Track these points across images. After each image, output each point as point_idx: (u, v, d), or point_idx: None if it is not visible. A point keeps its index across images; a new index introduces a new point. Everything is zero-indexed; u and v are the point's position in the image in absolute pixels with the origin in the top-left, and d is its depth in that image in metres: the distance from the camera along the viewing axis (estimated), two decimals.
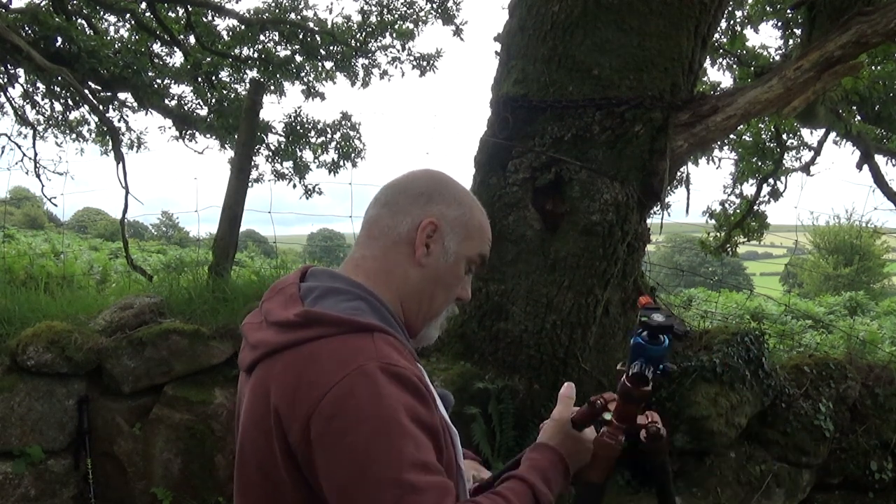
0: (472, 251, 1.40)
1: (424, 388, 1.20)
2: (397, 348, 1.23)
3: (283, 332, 1.24)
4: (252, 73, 10.45)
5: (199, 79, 9.97)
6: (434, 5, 10.35)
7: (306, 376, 1.16)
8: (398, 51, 10.66)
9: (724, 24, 7.43)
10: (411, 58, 10.71)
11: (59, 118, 10.85)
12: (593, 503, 1.46)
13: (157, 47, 10.68)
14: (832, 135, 8.07)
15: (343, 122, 10.40)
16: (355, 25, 10.43)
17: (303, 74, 10.70)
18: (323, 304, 1.27)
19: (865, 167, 7.85)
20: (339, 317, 1.22)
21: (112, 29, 10.59)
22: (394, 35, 10.44)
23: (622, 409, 1.42)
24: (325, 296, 1.29)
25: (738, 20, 7.81)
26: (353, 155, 10.48)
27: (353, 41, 10.42)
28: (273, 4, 10.41)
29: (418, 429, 1.14)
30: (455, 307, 1.46)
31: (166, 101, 10.16)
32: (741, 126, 5.79)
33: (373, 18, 10.45)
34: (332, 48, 10.42)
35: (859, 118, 7.55)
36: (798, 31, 6.77)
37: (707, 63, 7.57)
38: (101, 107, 8.89)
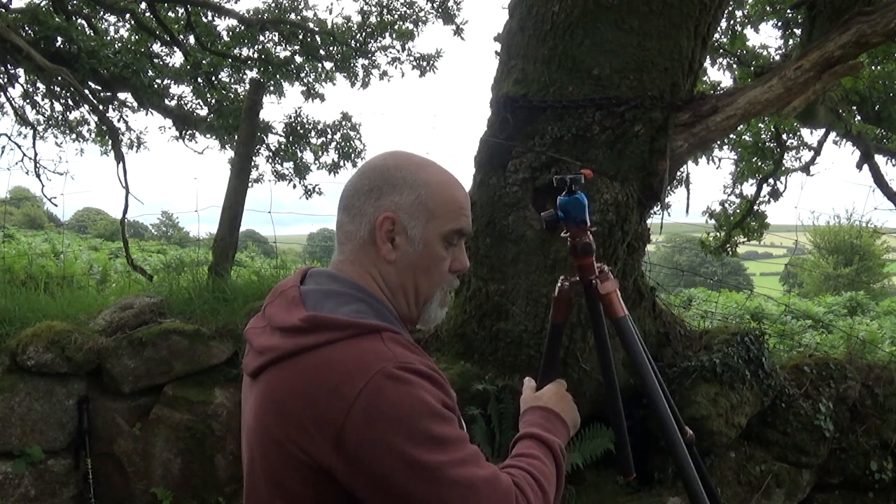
0: (442, 229, 1.34)
1: (440, 378, 1.22)
2: (406, 345, 1.24)
3: (290, 337, 1.22)
4: (252, 74, 10.46)
5: (199, 79, 9.97)
6: (434, 5, 10.34)
7: (326, 385, 1.15)
8: (398, 51, 10.67)
9: (724, 24, 7.43)
10: (411, 58, 10.71)
11: (59, 118, 10.85)
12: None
13: (156, 47, 10.68)
14: (832, 135, 8.07)
15: (343, 123, 10.41)
16: (355, 26, 10.43)
17: (303, 75, 10.70)
18: (325, 308, 1.26)
19: (865, 167, 7.85)
20: (345, 320, 1.22)
21: (112, 29, 10.61)
22: (393, 35, 10.44)
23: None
24: (326, 298, 1.29)
25: (738, 20, 7.81)
26: (353, 155, 10.48)
27: (352, 41, 10.42)
28: (273, 5, 10.41)
29: (448, 414, 1.19)
30: (454, 280, 1.42)
31: (166, 102, 10.17)
32: (741, 126, 5.79)
33: (372, 19, 10.45)
34: (331, 49, 10.42)
35: (859, 118, 7.55)
36: (798, 31, 6.77)
37: (707, 63, 7.57)
38: (100, 107, 8.90)
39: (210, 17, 10.40)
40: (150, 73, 9.71)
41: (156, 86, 9.82)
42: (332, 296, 1.29)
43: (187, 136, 10.60)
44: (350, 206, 1.36)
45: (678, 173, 4.37)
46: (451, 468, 1.13)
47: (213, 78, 10.13)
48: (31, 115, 10.59)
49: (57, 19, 8.29)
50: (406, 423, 1.12)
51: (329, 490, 1.16)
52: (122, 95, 10.22)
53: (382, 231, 1.31)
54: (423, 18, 10.44)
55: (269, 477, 1.22)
